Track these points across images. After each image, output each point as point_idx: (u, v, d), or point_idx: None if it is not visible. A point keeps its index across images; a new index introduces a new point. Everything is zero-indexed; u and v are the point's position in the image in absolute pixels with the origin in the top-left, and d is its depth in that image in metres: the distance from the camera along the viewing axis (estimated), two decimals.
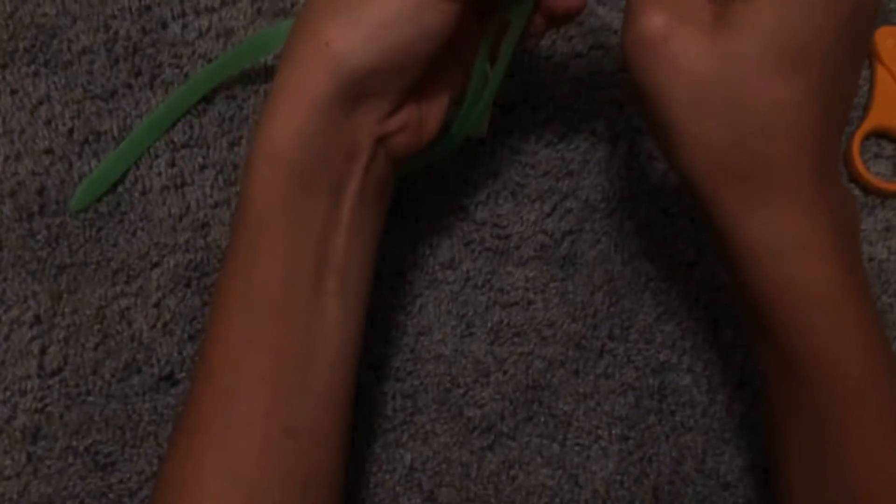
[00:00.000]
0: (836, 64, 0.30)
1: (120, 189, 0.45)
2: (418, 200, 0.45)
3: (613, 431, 0.42)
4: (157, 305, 0.43)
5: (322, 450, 0.33)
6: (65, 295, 0.43)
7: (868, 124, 0.46)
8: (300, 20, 0.33)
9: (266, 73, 0.47)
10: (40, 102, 0.46)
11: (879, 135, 0.47)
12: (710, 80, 0.30)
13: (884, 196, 0.45)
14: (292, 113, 0.31)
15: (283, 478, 0.32)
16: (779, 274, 0.31)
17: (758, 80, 0.30)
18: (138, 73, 0.47)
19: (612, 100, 0.48)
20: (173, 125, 0.46)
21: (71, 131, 0.46)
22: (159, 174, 0.45)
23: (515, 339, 0.43)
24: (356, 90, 0.31)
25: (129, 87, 0.47)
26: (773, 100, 0.30)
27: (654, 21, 0.30)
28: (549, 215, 0.45)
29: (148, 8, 0.47)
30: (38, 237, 0.43)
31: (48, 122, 0.45)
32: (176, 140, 0.46)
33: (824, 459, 0.32)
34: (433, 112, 0.35)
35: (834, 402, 0.31)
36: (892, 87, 0.46)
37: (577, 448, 0.42)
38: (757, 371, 0.43)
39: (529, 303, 0.44)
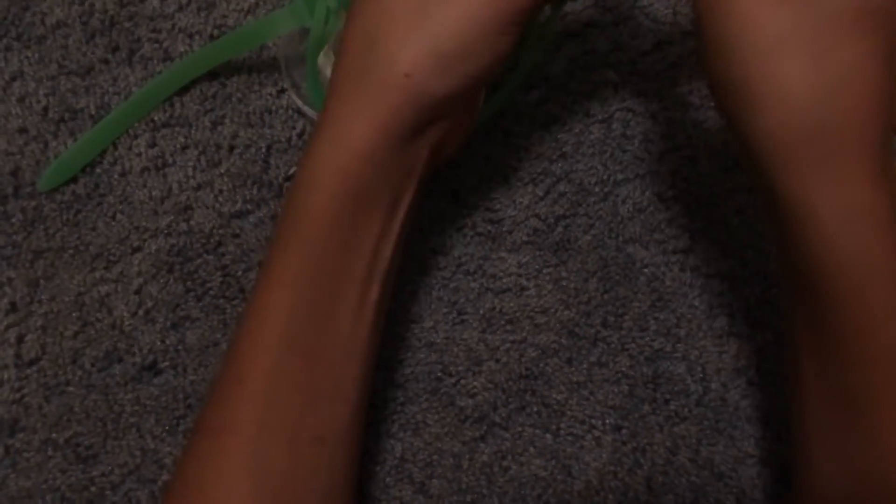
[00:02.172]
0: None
1: (98, 170, 0.43)
2: None
3: (607, 421, 0.41)
4: (138, 292, 0.41)
5: (347, 457, 0.33)
6: (42, 281, 0.41)
7: None
8: (362, 34, 0.32)
9: (255, 55, 0.45)
10: (13, 79, 0.44)
11: None
12: (789, 30, 0.29)
13: None
14: (366, 136, 0.32)
15: (308, 485, 0.32)
16: (840, 242, 0.30)
17: (838, 32, 0.29)
18: (115, 48, 0.45)
19: (607, 80, 0.47)
20: (151, 110, 0.44)
21: (46, 109, 0.44)
22: (139, 155, 0.44)
23: (508, 327, 0.42)
24: (431, 116, 0.32)
25: (106, 62, 0.45)
26: (853, 52, 0.29)
27: None
28: (542, 199, 0.44)
29: None
30: (13, 220, 0.42)
31: (21, 100, 0.43)
32: (156, 119, 0.44)
33: (858, 440, 0.31)
34: (473, 107, 0.36)
35: (875, 383, 0.30)
36: None
37: (570, 438, 0.41)
38: (754, 357, 0.42)
39: (522, 289, 0.43)
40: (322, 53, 0.43)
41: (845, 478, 0.32)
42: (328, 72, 0.43)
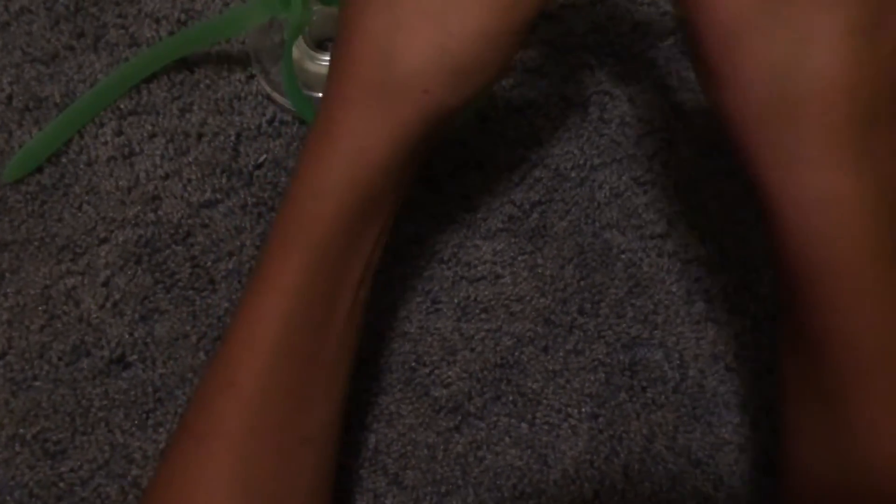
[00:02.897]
0: (881, 6, 0.28)
1: (64, 160, 0.42)
2: None
3: (583, 409, 0.41)
4: (105, 284, 0.41)
5: (331, 455, 0.34)
6: (6, 274, 0.40)
7: None
8: (373, 44, 0.31)
9: (223, 42, 0.44)
10: None
11: None
12: (748, 14, 0.29)
13: None
14: (381, 150, 0.31)
15: (294, 485, 0.32)
16: (808, 226, 0.29)
17: (790, 12, 0.28)
18: (81, 35, 0.44)
19: (583, 63, 0.46)
20: (117, 98, 0.43)
21: (10, 98, 0.43)
22: (105, 143, 0.43)
23: (483, 316, 0.42)
24: (441, 126, 0.32)
25: (72, 49, 0.44)
26: (813, 26, 0.28)
27: None
28: (517, 185, 0.44)
29: None
30: None
31: None
32: (123, 107, 0.43)
33: (835, 429, 0.31)
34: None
35: (848, 370, 0.30)
36: None
37: (546, 427, 0.40)
38: (731, 343, 0.42)
39: (497, 277, 0.42)
40: (296, 44, 0.43)
41: (824, 468, 0.32)
42: (302, 62, 0.43)
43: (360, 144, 0.31)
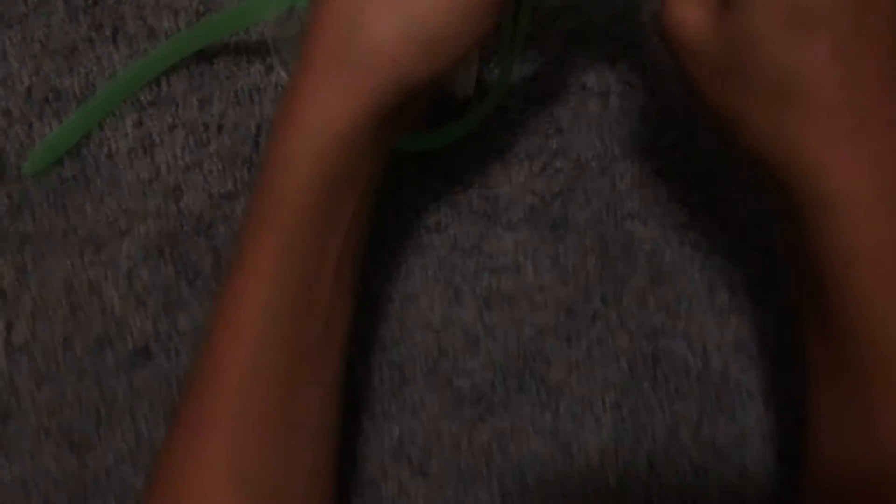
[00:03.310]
0: (860, 17, 0.29)
1: (84, 152, 0.42)
2: (402, 162, 0.42)
3: (607, 399, 0.41)
4: (128, 276, 0.41)
5: (326, 440, 0.33)
6: (29, 267, 0.40)
7: None
8: (341, 12, 0.31)
9: (242, 33, 0.44)
10: None
11: None
12: (722, 59, 0.31)
13: None
14: (346, 120, 0.31)
15: (290, 473, 0.32)
16: (824, 229, 0.30)
17: (767, 50, 0.29)
18: (99, 27, 0.44)
19: (604, 53, 0.46)
20: (136, 91, 0.43)
21: (29, 90, 0.43)
22: (126, 136, 0.43)
23: (505, 306, 0.42)
24: (410, 99, 0.31)
25: (91, 41, 0.44)
26: (785, 67, 0.29)
27: (672, 11, 0.32)
28: (538, 175, 0.44)
29: None
30: None
31: (4, 81, 0.42)
32: (143, 99, 0.43)
33: (858, 419, 0.31)
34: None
35: (869, 362, 0.30)
36: None
37: (569, 417, 0.40)
38: (755, 333, 0.42)
39: (519, 267, 0.42)
40: None
41: (847, 459, 0.32)
42: None
43: (324, 115, 0.31)
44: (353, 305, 0.35)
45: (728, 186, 0.44)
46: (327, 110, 0.31)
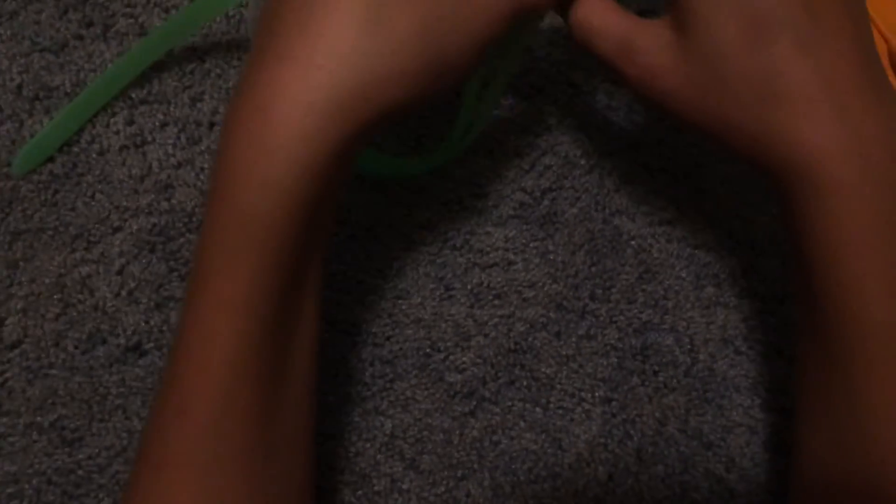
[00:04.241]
0: (809, 11, 0.30)
1: (76, 149, 0.42)
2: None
3: (596, 393, 0.41)
4: (120, 272, 0.41)
5: (298, 461, 0.31)
6: (21, 263, 0.40)
7: None
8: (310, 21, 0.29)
9: (233, 30, 0.44)
10: None
11: None
12: (696, 84, 0.32)
13: None
14: (347, 129, 0.28)
15: (263, 500, 0.30)
16: (811, 212, 0.31)
17: (736, 62, 0.31)
18: (90, 24, 0.44)
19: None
20: (126, 85, 0.43)
21: (19, 87, 0.43)
22: (117, 133, 0.43)
23: (496, 302, 0.42)
24: (389, 124, 0.30)
25: (81, 38, 0.44)
26: (758, 73, 0.30)
27: (635, 70, 0.33)
28: (527, 172, 0.44)
29: None
30: None
31: None
32: (134, 96, 0.43)
33: (845, 402, 0.32)
34: None
35: (857, 344, 0.31)
36: (876, 39, 0.45)
37: (559, 411, 0.41)
38: (741, 327, 0.42)
39: (509, 264, 0.43)
40: None
41: (832, 457, 0.32)
42: None
43: (319, 126, 0.28)
44: (320, 325, 0.32)
45: (714, 181, 0.44)
46: (324, 120, 0.28)
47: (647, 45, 0.33)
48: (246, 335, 0.28)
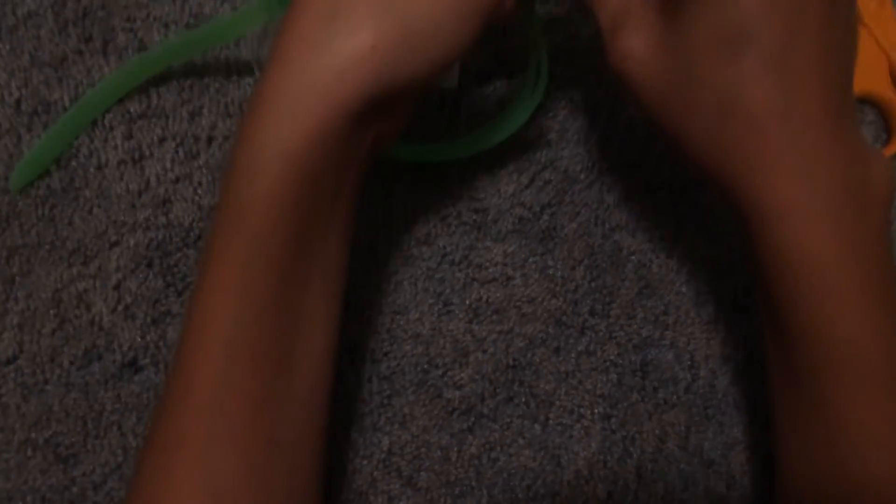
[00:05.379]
0: (790, 32, 0.30)
1: (73, 164, 0.42)
2: (391, 175, 0.43)
3: (596, 410, 0.41)
4: (116, 288, 0.41)
5: (304, 457, 0.32)
6: (17, 278, 0.40)
7: None
8: (322, 2, 0.29)
9: (232, 45, 0.44)
10: None
11: (861, 100, 0.46)
12: (667, 84, 0.32)
13: None
14: (317, 114, 0.29)
15: (265, 490, 0.30)
16: (767, 238, 0.31)
17: (705, 68, 0.31)
18: (89, 39, 0.44)
19: (591, 66, 0.46)
20: (115, 103, 0.43)
21: (18, 102, 0.43)
22: (115, 147, 0.43)
23: (494, 317, 0.42)
24: (388, 98, 0.30)
25: (80, 53, 0.44)
26: (721, 85, 0.31)
27: (615, 46, 0.34)
28: (527, 187, 0.44)
29: None
30: None
31: None
32: (132, 111, 0.43)
33: (808, 414, 0.32)
34: (412, 102, 0.35)
35: (817, 363, 0.31)
36: (874, 51, 0.45)
37: (559, 428, 0.41)
38: (742, 343, 0.42)
39: (508, 279, 0.42)
40: None
41: (806, 468, 0.33)
42: None
43: (294, 109, 0.29)
44: (338, 314, 0.33)
45: (715, 198, 0.44)
46: (297, 104, 0.29)
47: (635, 25, 0.33)
48: (240, 317, 0.30)
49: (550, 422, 0.41)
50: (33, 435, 0.38)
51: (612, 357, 0.42)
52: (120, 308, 0.40)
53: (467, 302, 0.42)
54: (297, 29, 0.29)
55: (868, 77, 0.45)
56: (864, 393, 0.31)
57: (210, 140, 0.43)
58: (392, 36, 0.29)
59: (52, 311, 0.40)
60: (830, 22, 0.31)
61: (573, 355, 0.41)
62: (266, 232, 0.29)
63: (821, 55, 0.31)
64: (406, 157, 0.42)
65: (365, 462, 0.39)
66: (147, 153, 0.43)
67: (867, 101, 0.45)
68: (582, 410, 0.41)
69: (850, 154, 0.31)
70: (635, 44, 0.33)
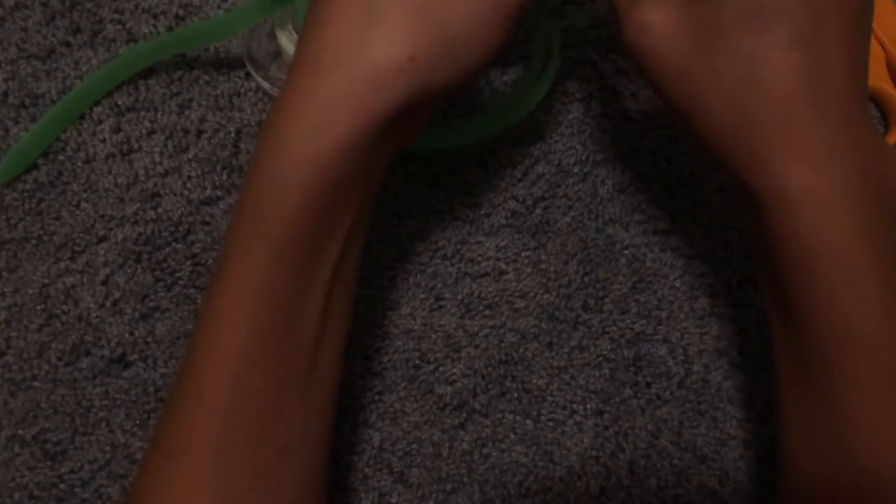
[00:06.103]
0: (820, 10, 0.29)
1: (61, 157, 0.42)
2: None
3: (588, 405, 0.41)
4: (105, 283, 0.40)
5: (313, 462, 0.32)
6: (4, 273, 0.40)
7: None
8: (358, 7, 0.29)
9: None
10: None
11: None
12: (687, 55, 0.31)
13: None
14: (351, 124, 0.28)
15: (274, 497, 0.30)
16: (782, 224, 0.30)
17: (730, 38, 0.30)
18: (77, 30, 0.44)
19: (585, 58, 0.46)
20: (104, 96, 0.42)
21: (5, 94, 0.43)
22: (104, 140, 0.42)
23: (487, 312, 0.41)
24: (419, 107, 0.30)
25: (68, 45, 0.44)
26: (746, 56, 0.30)
27: (631, 20, 0.32)
28: (520, 181, 0.44)
29: None
30: None
31: None
32: (121, 103, 0.43)
33: (824, 414, 0.31)
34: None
35: (831, 357, 0.30)
36: (872, 45, 0.44)
37: (551, 424, 0.40)
38: (736, 338, 0.42)
39: (501, 273, 0.42)
40: (284, 34, 0.42)
41: (811, 460, 0.32)
42: (291, 51, 0.42)
43: (326, 118, 0.28)
44: (349, 321, 0.33)
45: (709, 191, 0.44)
46: (330, 112, 0.28)
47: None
48: (257, 323, 0.29)
49: (543, 417, 0.40)
50: (21, 431, 0.38)
51: (604, 352, 0.41)
52: (108, 303, 0.40)
53: (459, 297, 0.41)
54: (330, 33, 0.29)
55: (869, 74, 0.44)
56: (878, 388, 0.30)
57: (199, 133, 0.43)
58: (429, 45, 0.29)
59: (39, 307, 0.40)
60: (859, 7, 0.30)
61: (566, 350, 0.41)
62: (288, 238, 0.29)
63: (847, 37, 0.30)
64: (421, 145, 0.41)
65: (356, 458, 0.39)
66: (136, 146, 0.42)
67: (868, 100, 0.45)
68: (574, 406, 0.41)
69: (869, 142, 0.31)
70: (654, 16, 0.32)
